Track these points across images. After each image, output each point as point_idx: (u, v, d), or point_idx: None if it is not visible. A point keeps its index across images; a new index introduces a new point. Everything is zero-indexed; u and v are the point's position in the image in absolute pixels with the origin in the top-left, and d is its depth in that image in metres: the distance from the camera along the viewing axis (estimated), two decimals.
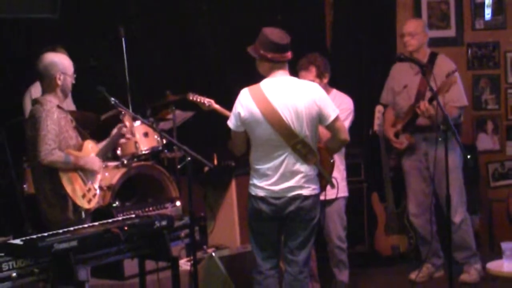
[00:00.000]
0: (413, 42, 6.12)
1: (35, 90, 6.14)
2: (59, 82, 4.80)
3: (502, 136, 7.31)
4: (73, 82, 4.91)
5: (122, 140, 5.24)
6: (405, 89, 6.16)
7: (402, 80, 6.24)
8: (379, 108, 6.51)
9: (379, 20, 7.42)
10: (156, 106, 6.33)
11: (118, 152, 5.91)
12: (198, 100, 5.47)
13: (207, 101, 5.46)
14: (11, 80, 6.54)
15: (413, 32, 6.12)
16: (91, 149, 4.95)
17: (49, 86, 4.82)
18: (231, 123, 4.66)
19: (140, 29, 6.90)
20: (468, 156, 5.32)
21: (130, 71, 6.29)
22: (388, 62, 7.17)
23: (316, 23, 7.44)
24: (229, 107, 4.83)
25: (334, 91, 5.64)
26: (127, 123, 5.26)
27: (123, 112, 5.31)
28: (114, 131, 5.13)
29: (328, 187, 4.82)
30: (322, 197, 4.79)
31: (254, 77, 4.70)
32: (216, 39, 7.13)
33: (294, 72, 5.03)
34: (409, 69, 6.18)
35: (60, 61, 4.83)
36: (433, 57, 6.13)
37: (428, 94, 5.84)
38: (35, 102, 4.83)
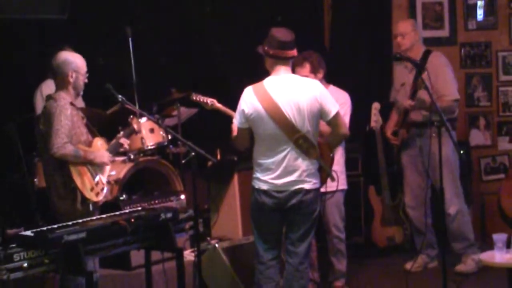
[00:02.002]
0: (405, 42, 6.13)
1: (46, 87, 6.13)
2: (71, 80, 4.79)
3: (493, 132, 7.32)
4: (86, 81, 4.89)
5: (125, 146, 5.21)
6: (402, 87, 6.19)
7: (400, 78, 6.28)
8: (375, 105, 6.53)
9: (375, 20, 7.40)
10: (161, 103, 6.31)
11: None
12: (201, 100, 5.48)
13: (209, 100, 5.45)
14: (22, 78, 6.52)
15: (404, 32, 6.14)
16: (100, 146, 4.94)
17: (61, 83, 4.81)
18: (236, 120, 4.65)
19: (146, 30, 6.88)
20: (461, 152, 5.30)
21: (137, 69, 6.27)
22: (384, 61, 7.19)
23: (315, 24, 7.43)
24: (232, 105, 4.81)
25: (331, 87, 5.65)
26: (135, 126, 5.26)
27: (131, 116, 5.31)
28: (113, 141, 5.10)
29: (328, 180, 4.81)
30: (322, 189, 4.79)
31: (256, 75, 4.70)
32: (218, 39, 7.11)
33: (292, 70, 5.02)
34: (404, 68, 6.20)
35: (73, 60, 4.82)
36: (426, 54, 6.12)
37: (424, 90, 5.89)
38: (49, 98, 4.82)
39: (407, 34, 6.12)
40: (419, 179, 6.21)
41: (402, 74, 6.24)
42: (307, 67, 5.50)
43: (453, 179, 6.10)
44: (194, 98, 5.49)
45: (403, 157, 6.29)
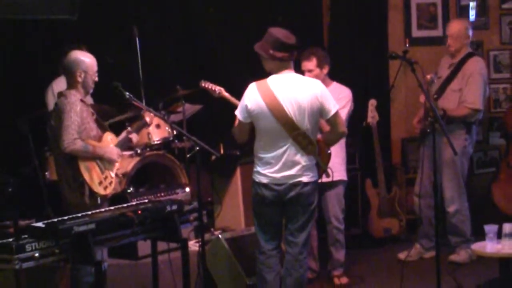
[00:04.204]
0: (454, 44, 6.05)
1: (57, 85, 6.13)
2: (79, 79, 4.78)
3: (485, 127, 7.30)
4: (96, 80, 4.87)
5: (134, 140, 5.20)
6: (439, 79, 6.11)
7: (441, 71, 6.21)
8: (372, 102, 6.52)
9: (372, 21, 7.39)
10: (167, 100, 6.30)
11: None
12: (209, 87, 5.40)
13: (217, 88, 5.40)
14: (33, 76, 6.52)
15: (455, 35, 6.05)
16: (110, 141, 4.95)
17: (71, 81, 4.82)
18: (239, 114, 4.64)
19: (153, 29, 6.87)
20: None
21: (144, 67, 6.27)
22: (381, 60, 7.17)
23: (314, 24, 7.41)
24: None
25: (334, 84, 5.65)
26: (147, 119, 5.26)
27: (143, 110, 5.29)
28: (123, 135, 5.09)
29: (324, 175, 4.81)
30: (322, 179, 4.79)
31: (258, 74, 4.69)
32: (221, 38, 7.10)
33: (297, 66, 5.00)
34: (446, 62, 6.15)
35: (82, 60, 4.80)
36: (466, 57, 6.06)
37: (452, 88, 5.99)
38: (60, 95, 4.82)
39: (459, 38, 6.04)
40: (431, 172, 6.15)
41: (443, 67, 6.19)
42: (314, 60, 5.49)
43: (457, 180, 6.08)
44: (203, 85, 5.42)
45: (423, 148, 6.23)
